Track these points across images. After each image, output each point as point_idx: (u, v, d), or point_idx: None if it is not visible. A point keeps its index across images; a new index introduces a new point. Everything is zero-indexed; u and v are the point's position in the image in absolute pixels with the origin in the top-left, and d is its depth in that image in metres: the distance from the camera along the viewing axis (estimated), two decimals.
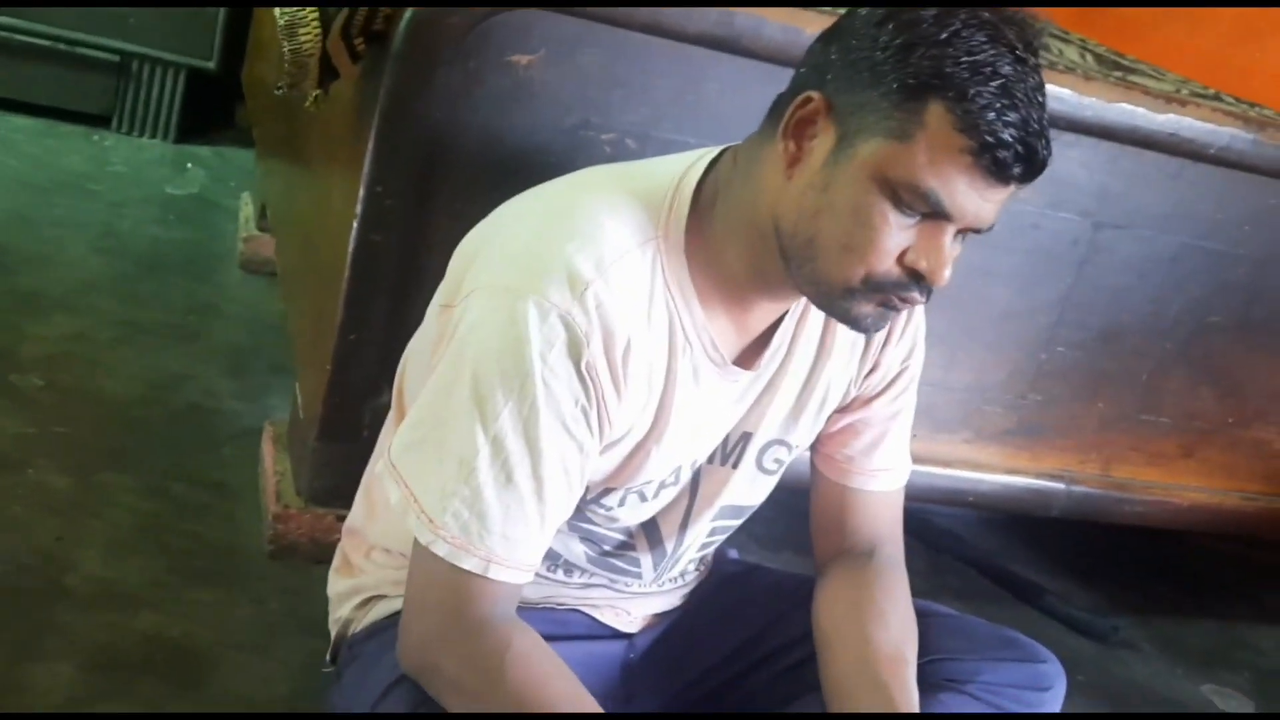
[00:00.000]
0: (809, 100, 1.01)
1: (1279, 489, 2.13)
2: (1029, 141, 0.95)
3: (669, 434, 1.12)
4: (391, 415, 1.24)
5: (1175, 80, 2.84)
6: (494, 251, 1.07)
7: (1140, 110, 1.73)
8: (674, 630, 1.33)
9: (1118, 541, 2.34)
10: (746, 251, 1.07)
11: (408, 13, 1.40)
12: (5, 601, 1.47)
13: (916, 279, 1.01)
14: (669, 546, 1.24)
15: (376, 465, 1.24)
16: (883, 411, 1.27)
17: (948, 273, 1.01)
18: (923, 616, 1.24)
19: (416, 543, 1.03)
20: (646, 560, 1.24)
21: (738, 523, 1.29)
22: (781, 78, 1.56)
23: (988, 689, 1.22)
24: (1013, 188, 0.99)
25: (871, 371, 1.25)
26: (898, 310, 1.06)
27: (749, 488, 1.25)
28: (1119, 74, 2.56)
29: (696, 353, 1.10)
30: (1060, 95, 1.67)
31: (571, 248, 1.02)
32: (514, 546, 1.02)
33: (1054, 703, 1.26)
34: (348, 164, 1.55)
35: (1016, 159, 0.96)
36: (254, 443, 1.88)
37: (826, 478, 1.29)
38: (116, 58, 3.15)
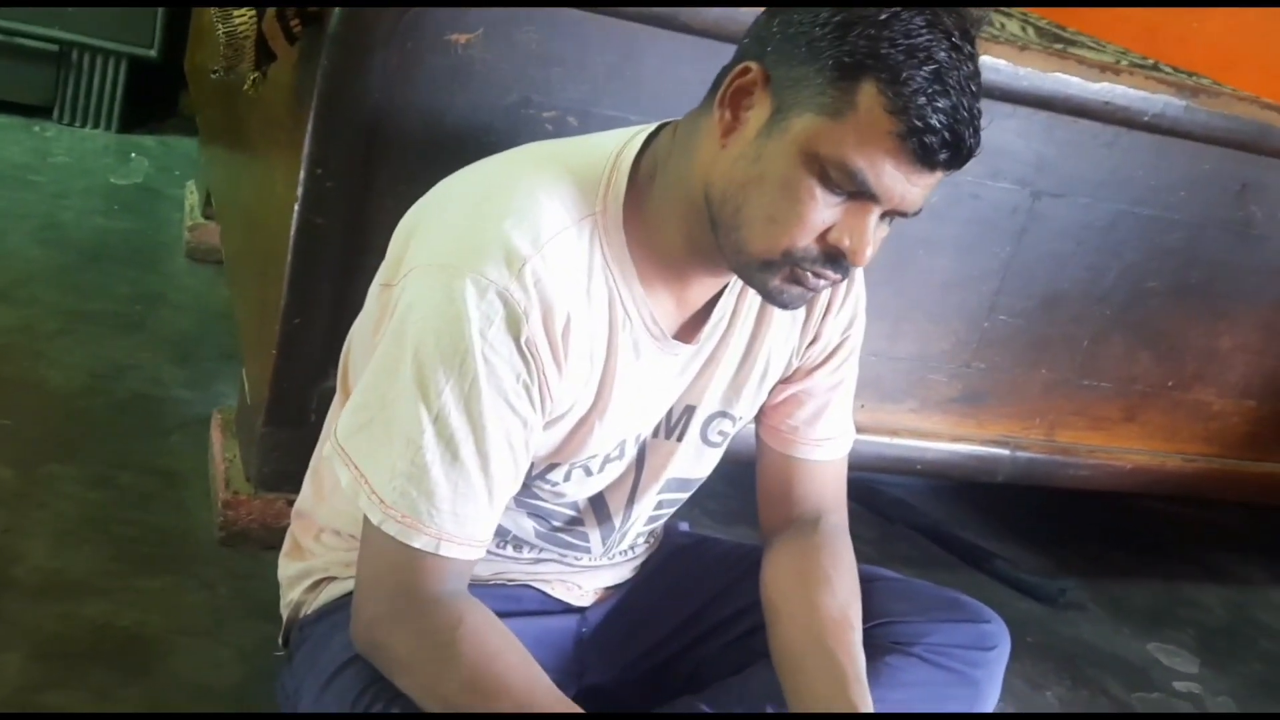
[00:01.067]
0: (747, 70, 1.02)
1: (1218, 450, 2.18)
2: (957, 129, 0.97)
3: (611, 408, 1.13)
4: (337, 397, 1.24)
5: (1115, 51, 2.88)
6: (431, 230, 1.07)
7: (1074, 79, 1.75)
8: (625, 603, 1.34)
9: (1064, 505, 2.39)
10: (683, 224, 1.08)
11: None
12: None
13: (836, 257, 1.02)
14: (616, 521, 1.25)
15: (324, 448, 1.25)
16: (825, 382, 1.28)
17: (869, 253, 1.02)
18: (868, 581, 1.27)
19: (367, 522, 1.04)
20: (595, 535, 1.25)
21: (685, 495, 1.31)
22: (719, 53, 1.56)
23: (933, 650, 1.25)
24: (940, 173, 1.00)
25: (813, 342, 1.26)
26: (811, 288, 1.06)
27: (695, 461, 1.27)
28: (1059, 45, 2.59)
29: (636, 327, 1.11)
30: (996, 66, 1.69)
31: (508, 224, 1.02)
32: (464, 523, 1.03)
33: (999, 662, 1.28)
34: (288, 147, 1.54)
35: (943, 145, 0.97)
36: (202, 430, 1.87)
37: (771, 448, 1.31)
38: (56, 47, 3.11)
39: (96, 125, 3.23)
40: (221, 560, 1.64)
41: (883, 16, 0.96)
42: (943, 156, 0.98)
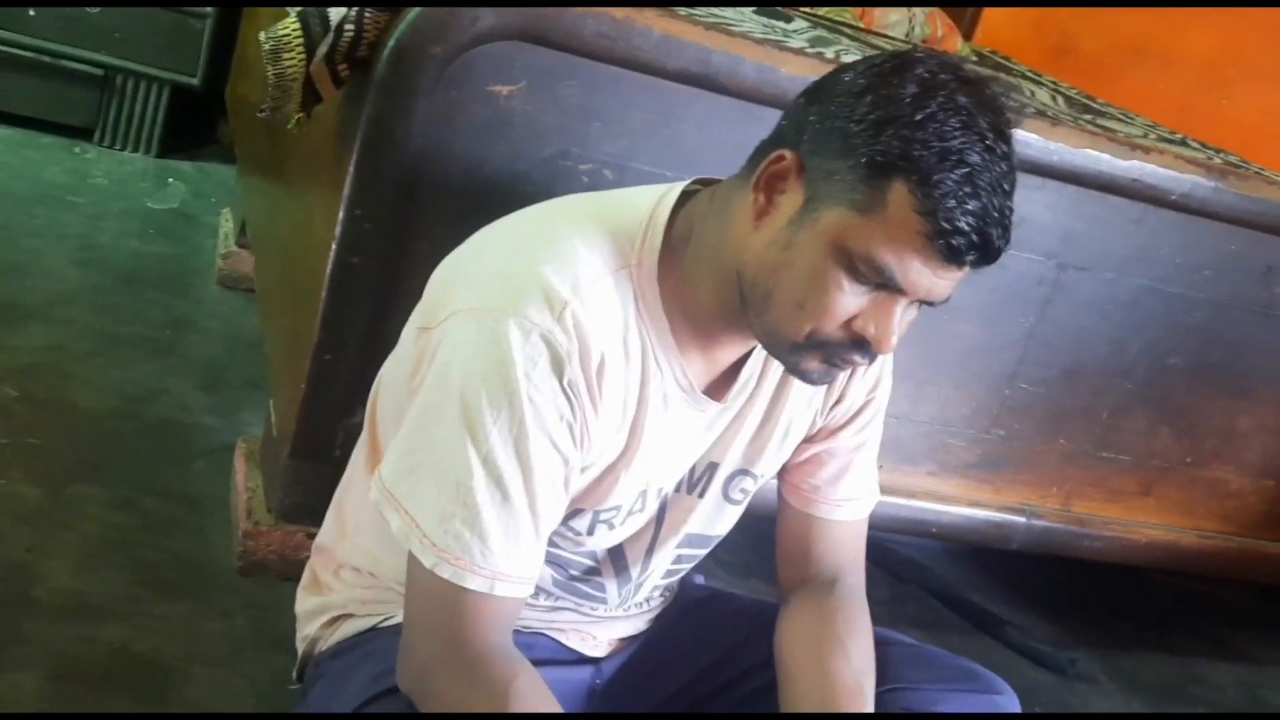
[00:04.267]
0: (781, 158, 1.04)
1: (1235, 528, 2.17)
2: (986, 231, 0.98)
3: (638, 458, 1.15)
4: (364, 436, 1.25)
5: (1144, 124, 2.90)
6: (471, 275, 1.10)
7: (1104, 156, 1.77)
8: (639, 655, 1.35)
9: (1077, 575, 2.38)
10: (715, 293, 1.10)
11: (391, 41, 1.43)
12: None
13: (862, 344, 1.05)
14: (634, 572, 1.26)
15: (352, 488, 1.26)
16: (848, 442, 1.30)
17: (894, 341, 1.04)
18: (882, 645, 1.27)
19: (417, 564, 1.04)
20: (611, 585, 1.26)
21: (703, 552, 1.32)
22: (755, 115, 1.61)
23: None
24: (967, 269, 1.02)
25: (838, 403, 1.28)
26: (840, 369, 1.09)
27: (715, 517, 1.28)
28: (1089, 117, 2.62)
29: (667, 380, 1.13)
30: (1028, 140, 1.72)
31: (548, 269, 1.05)
32: (515, 562, 1.04)
33: None
34: (328, 186, 1.57)
35: (970, 247, 0.98)
36: (226, 458, 1.89)
37: (792, 506, 1.32)
38: (100, 71, 3.16)
39: (136, 149, 3.28)
40: (240, 590, 1.66)
41: (918, 116, 0.98)
42: (970, 257, 1.00)
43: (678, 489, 1.23)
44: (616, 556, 1.24)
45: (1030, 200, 1.77)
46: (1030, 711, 1.90)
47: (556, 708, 1.05)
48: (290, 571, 1.66)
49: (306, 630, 1.27)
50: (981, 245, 0.99)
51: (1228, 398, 2.07)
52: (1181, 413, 2.05)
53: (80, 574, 1.59)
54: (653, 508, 1.22)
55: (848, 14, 3.12)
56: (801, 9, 3.00)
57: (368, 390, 1.59)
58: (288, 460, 1.62)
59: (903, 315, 1.05)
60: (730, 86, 1.57)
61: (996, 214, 0.98)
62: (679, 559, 1.29)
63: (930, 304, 1.05)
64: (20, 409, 1.93)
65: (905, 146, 0.97)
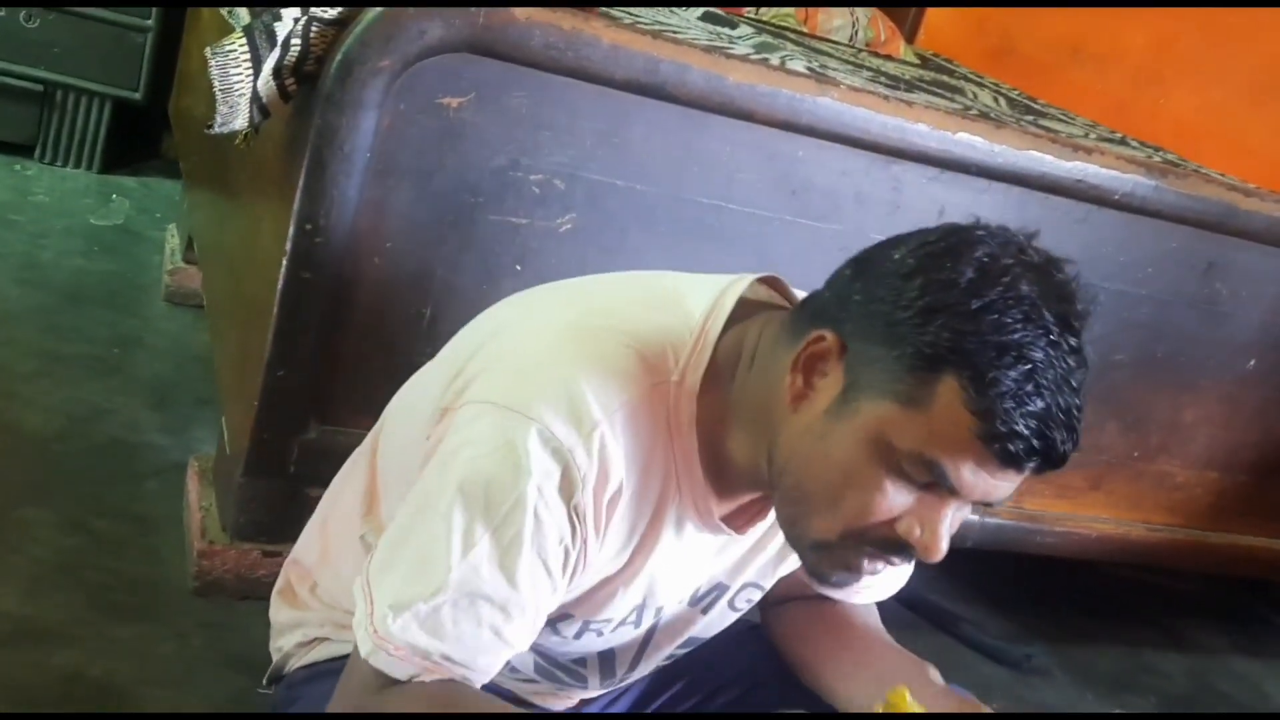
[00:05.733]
0: (822, 339, 0.95)
1: (1182, 520, 2.21)
2: (1049, 435, 0.88)
3: (639, 578, 1.07)
4: (363, 467, 1.19)
5: (1084, 124, 2.96)
6: (503, 362, 1.02)
7: (1048, 157, 1.80)
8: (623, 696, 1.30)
9: (1030, 571, 2.41)
10: (748, 450, 1.02)
11: (338, 55, 1.43)
12: None
13: (902, 547, 0.94)
14: (620, 673, 1.20)
15: (335, 514, 1.21)
16: None
17: (944, 547, 0.94)
18: None
19: (356, 653, 0.98)
20: (595, 679, 1.21)
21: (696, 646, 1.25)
22: (703, 123, 1.62)
23: None
24: (1028, 473, 0.92)
25: None
26: (865, 574, 0.99)
27: (716, 625, 1.21)
28: (1030, 118, 2.66)
29: (685, 505, 1.04)
30: (973, 143, 1.74)
31: (584, 379, 0.97)
32: (465, 671, 0.98)
33: None
34: (278, 201, 1.56)
35: (1031, 453, 0.88)
36: (178, 477, 1.87)
37: (796, 580, 1.22)
38: (40, 86, 3.11)
39: (78, 165, 3.23)
40: (194, 610, 1.64)
41: (974, 305, 0.88)
42: (1031, 464, 0.90)
43: (679, 604, 1.16)
44: (606, 658, 1.18)
45: (976, 203, 1.79)
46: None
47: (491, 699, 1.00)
48: (247, 590, 1.64)
49: (281, 642, 1.24)
50: (1044, 451, 0.89)
51: (1172, 392, 2.10)
52: (1128, 408, 2.08)
53: (30, 599, 1.57)
54: (648, 622, 1.15)
55: (791, 17, 3.14)
56: (744, 11, 3.03)
57: (321, 405, 1.59)
58: (242, 478, 1.61)
59: (954, 517, 0.94)
60: (678, 95, 1.58)
61: (1063, 415, 0.88)
62: (671, 657, 1.23)
63: (988, 505, 0.94)
64: None
65: (957, 340, 0.88)
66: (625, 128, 1.59)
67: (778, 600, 1.26)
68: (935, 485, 0.92)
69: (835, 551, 0.97)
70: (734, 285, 1.05)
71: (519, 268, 1.59)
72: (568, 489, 0.95)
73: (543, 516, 0.95)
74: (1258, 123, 3.19)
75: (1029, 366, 0.87)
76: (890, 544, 0.95)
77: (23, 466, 1.87)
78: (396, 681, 0.97)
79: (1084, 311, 0.93)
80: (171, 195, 3.15)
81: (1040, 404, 0.88)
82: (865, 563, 0.97)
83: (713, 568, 1.13)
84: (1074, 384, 0.90)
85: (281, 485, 1.60)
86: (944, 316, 0.89)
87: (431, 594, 0.95)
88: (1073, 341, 0.91)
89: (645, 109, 1.58)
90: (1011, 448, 0.88)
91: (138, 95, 3.16)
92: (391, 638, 0.95)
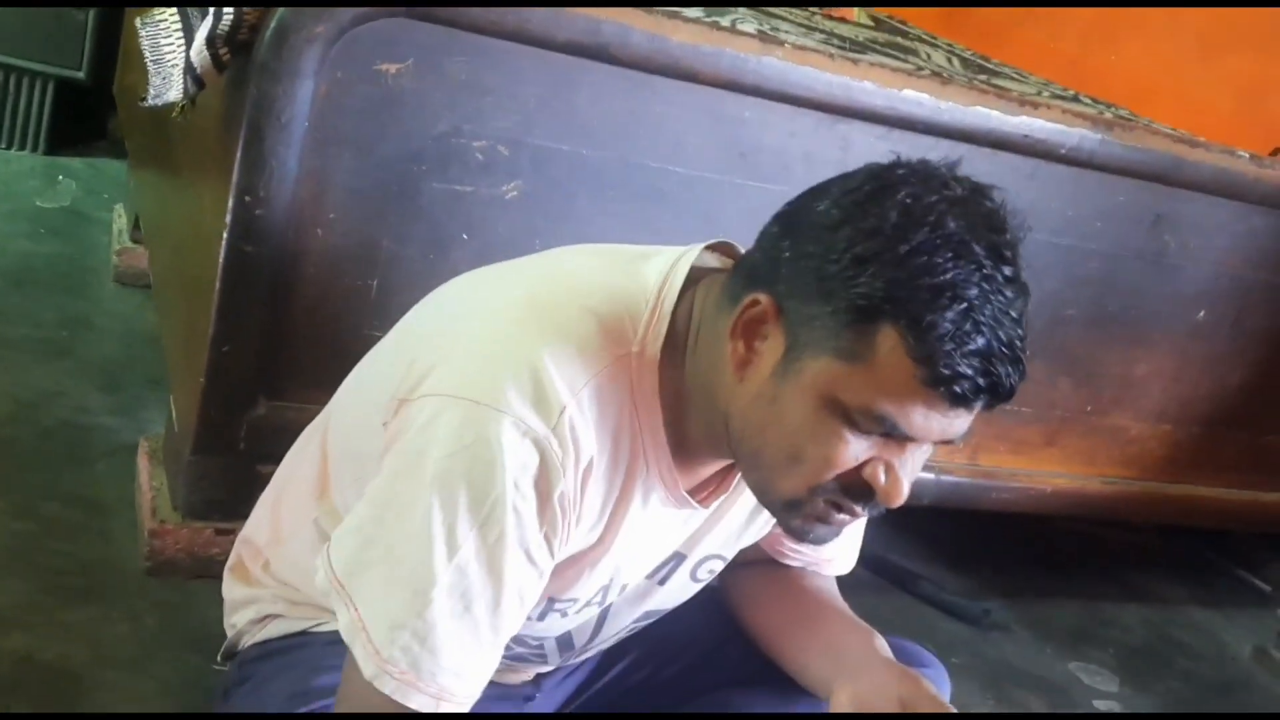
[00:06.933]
0: (756, 303, 0.95)
1: (1136, 473, 2.23)
2: (994, 371, 0.88)
3: (607, 555, 1.07)
4: (313, 451, 1.16)
5: (1037, 83, 2.96)
6: (457, 348, 0.99)
7: (994, 113, 1.80)
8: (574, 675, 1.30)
9: (987, 528, 2.43)
10: (706, 430, 1.02)
11: (272, 22, 1.40)
12: None
13: (867, 494, 0.95)
14: (578, 645, 1.20)
15: (286, 495, 1.19)
16: None
17: (905, 491, 0.94)
18: None
19: (356, 672, 0.96)
20: (555, 656, 1.21)
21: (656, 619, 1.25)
22: (647, 85, 1.61)
23: None
24: (979, 409, 0.92)
25: None
26: (838, 525, 0.99)
27: (676, 596, 1.21)
28: (983, 77, 2.66)
29: (652, 476, 1.04)
30: (920, 100, 1.74)
31: (548, 356, 0.95)
32: (465, 680, 0.97)
33: None
34: (217, 175, 1.54)
35: (977, 391, 0.88)
36: (129, 459, 1.85)
37: (758, 549, 1.24)
38: None
39: (23, 147, 3.18)
40: (148, 591, 1.62)
41: (903, 250, 0.87)
42: (979, 401, 0.90)
43: (639, 578, 1.15)
44: (563, 638, 1.18)
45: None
46: (948, 664, 1.93)
47: None
48: (200, 569, 1.63)
49: (234, 619, 1.24)
50: (990, 387, 0.88)
51: (1124, 346, 2.12)
52: (1080, 363, 2.09)
53: None
54: (611, 599, 1.14)
55: None
56: None
57: (269, 381, 1.58)
58: (191, 456, 1.59)
59: (914, 459, 0.95)
60: (621, 56, 1.56)
61: (1006, 349, 0.88)
62: (631, 628, 1.23)
63: (949, 443, 0.94)
64: None
65: (890, 288, 0.87)
66: (569, 92, 1.57)
67: (735, 564, 1.26)
68: (891, 435, 0.92)
69: (806, 507, 0.97)
70: (686, 254, 1.04)
71: (465, 236, 1.58)
72: (548, 478, 0.94)
73: (523, 510, 0.94)
74: (1209, 77, 3.21)
75: (965, 305, 0.87)
76: (858, 491, 0.95)
77: None
78: (406, 709, 0.95)
79: (1015, 239, 0.91)
80: (119, 176, 3.10)
81: (981, 341, 0.87)
82: (833, 514, 0.98)
83: (676, 540, 1.13)
84: (1014, 315, 0.89)
85: (231, 462, 1.58)
86: (874, 265, 0.88)
87: (424, 606, 0.93)
88: (1007, 272, 0.89)
89: (588, 72, 1.57)
90: (958, 389, 0.88)
91: (81, 74, 3.11)
92: (395, 661, 0.94)
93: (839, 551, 1.29)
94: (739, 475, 1.09)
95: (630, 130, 1.64)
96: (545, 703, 1.29)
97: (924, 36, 3.35)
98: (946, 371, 0.87)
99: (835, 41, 2.51)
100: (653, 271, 1.03)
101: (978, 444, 2.06)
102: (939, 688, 1.26)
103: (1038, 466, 2.13)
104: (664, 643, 1.30)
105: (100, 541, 1.71)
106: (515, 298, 1.02)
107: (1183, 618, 2.51)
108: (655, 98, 1.62)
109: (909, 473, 0.95)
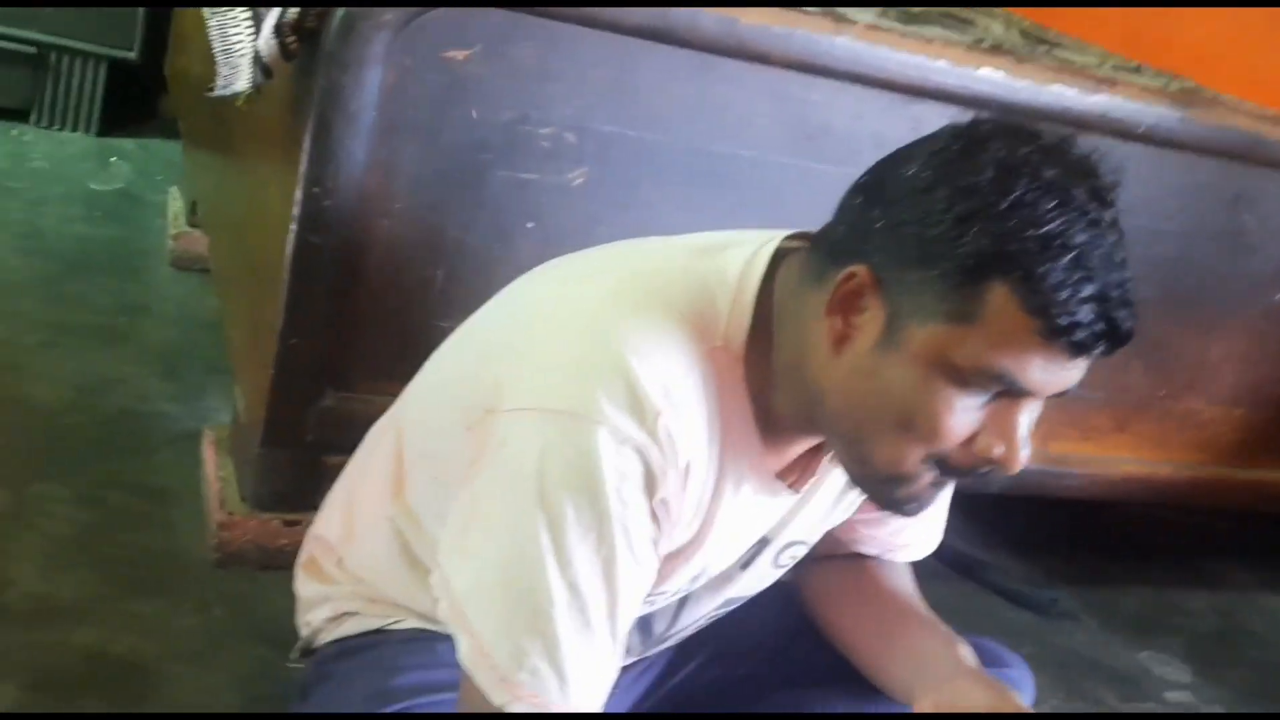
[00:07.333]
0: (853, 275, 0.92)
1: (1208, 458, 2.18)
2: (1110, 315, 0.87)
3: (702, 550, 1.06)
4: (387, 449, 1.14)
5: (1099, 54, 2.88)
6: (538, 356, 0.97)
7: (1071, 92, 1.75)
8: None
9: (1055, 514, 2.39)
10: (794, 405, 1.00)
11: (340, 10, 1.38)
12: None
13: (982, 466, 0.93)
14: (657, 633, 1.19)
15: (360, 493, 1.18)
16: None
17: (1025, 455, 0.93)
18: None
19: (483, 699, 0.94)
20: (636, 642, 1.18)
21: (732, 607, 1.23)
22: (716, 67, 1.57)
23: None
24: (1097, 355, 0.91)
25: None
26: (932, 494, 0.98)
27: (756, 583, 1.19)
28: (1044, 48, 2.59)
29: (743, 468, 1.03)
30: (994, 79, 1.69)
31: (634, 363, 0.92)
32: (593, 694, 0.96)
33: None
34: (283, 164, 1.52)
35: (1097, 337, 0.88)
36: (191, 447, 1.85)
37: (835, 537, 1.22)
38: (34, 49, 3.06)
39: (75, 129, 3.18)
40: (215, 582, 1.62)
41: (1004, 206, 0.86)
42: (1099, 348, 0.89)
43: (726, 565, 1.14)
44: (644, 623, 1.16)
45: None
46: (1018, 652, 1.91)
47: None
48: (268, 561, 1.62)
49: (309, 617, 1.22)
50: (1109, 332, 0.88)
51: (1198, 329, 2.07)
52: (1153, 346, 2.04)
53: (48, 576, 1.55)
54: (697, 587, 1.14)
55: None
56: None
57: (336, 373, 1.56)
58: (260, 448, 1.58)
59: (1029, 419, 0.93)
60: (690, 39, 1.52)
61: (1117, 293, 0.87)
62: (710, 616, 1.21)
63: (1063, 394, 0.93)
64: None
65: (997, 243, 0.86)
66: (635, 76, 1.54)
67: (812, 558, 1.24)
68: (1007, 392, 0.91)
69: (911, 478, 0.95)
70: (767, 244, 1.02)
71: (531, 225, 1.55)
72: (650, 486, 0.93)
73: (629, 522, 0.93)
74: (1275, 46, 3.12)
75: (1075, 253, 0.86)
76: (969, 467, 0.94)
77: (34, 440, 1.84)
78: None
79: (1111, 183, 0.90)
80: (171, 157, 3.10)
81: (1094, 287, 0.86)
82: (943, 478, 0.96)
83: (764, 526, 1.12)
84: (1120, 259, 0.88)
85: (299, 454, 1.57)
86: (977, 223, 0.87)
87: (546, 625, 0.92)
88: (1109, 216, 0.88)
89: (656, 55, 1.53)
90: (1077, 338, 0.87)
91: (133, 55, 3.11)
92: (524, 686, 0.92)
93: (915, 537, 1.26)
94: (825, 458, 1.08)
95: (696, 114, 1.60)
96: (617, 704, 1.27)
97: (980, 5, 3.27)
98: (1064, 322, 0.86)
99: (893, 14, 2.46)
100: (731, 262, 1.01)
101: (1048, 431, 2.02)
102: (1022, 688, 1.25)
103: (1108, 453, 2.09)
104: (735, 641, 1.29)
105: (166, 532, 1.70)
106: (596, 297, 1.00)
107: (1254, 604, 2.46)
108: (722, 80, 1.59)
109: (1026, 437, 0.93)
